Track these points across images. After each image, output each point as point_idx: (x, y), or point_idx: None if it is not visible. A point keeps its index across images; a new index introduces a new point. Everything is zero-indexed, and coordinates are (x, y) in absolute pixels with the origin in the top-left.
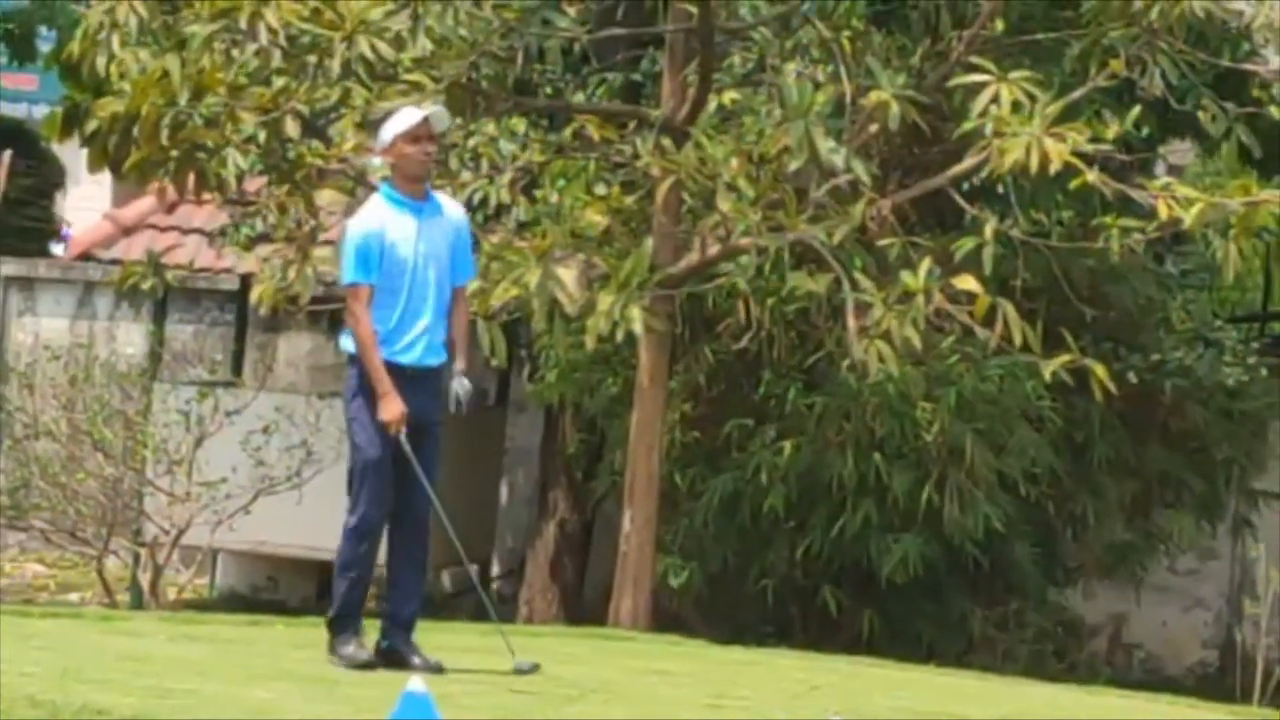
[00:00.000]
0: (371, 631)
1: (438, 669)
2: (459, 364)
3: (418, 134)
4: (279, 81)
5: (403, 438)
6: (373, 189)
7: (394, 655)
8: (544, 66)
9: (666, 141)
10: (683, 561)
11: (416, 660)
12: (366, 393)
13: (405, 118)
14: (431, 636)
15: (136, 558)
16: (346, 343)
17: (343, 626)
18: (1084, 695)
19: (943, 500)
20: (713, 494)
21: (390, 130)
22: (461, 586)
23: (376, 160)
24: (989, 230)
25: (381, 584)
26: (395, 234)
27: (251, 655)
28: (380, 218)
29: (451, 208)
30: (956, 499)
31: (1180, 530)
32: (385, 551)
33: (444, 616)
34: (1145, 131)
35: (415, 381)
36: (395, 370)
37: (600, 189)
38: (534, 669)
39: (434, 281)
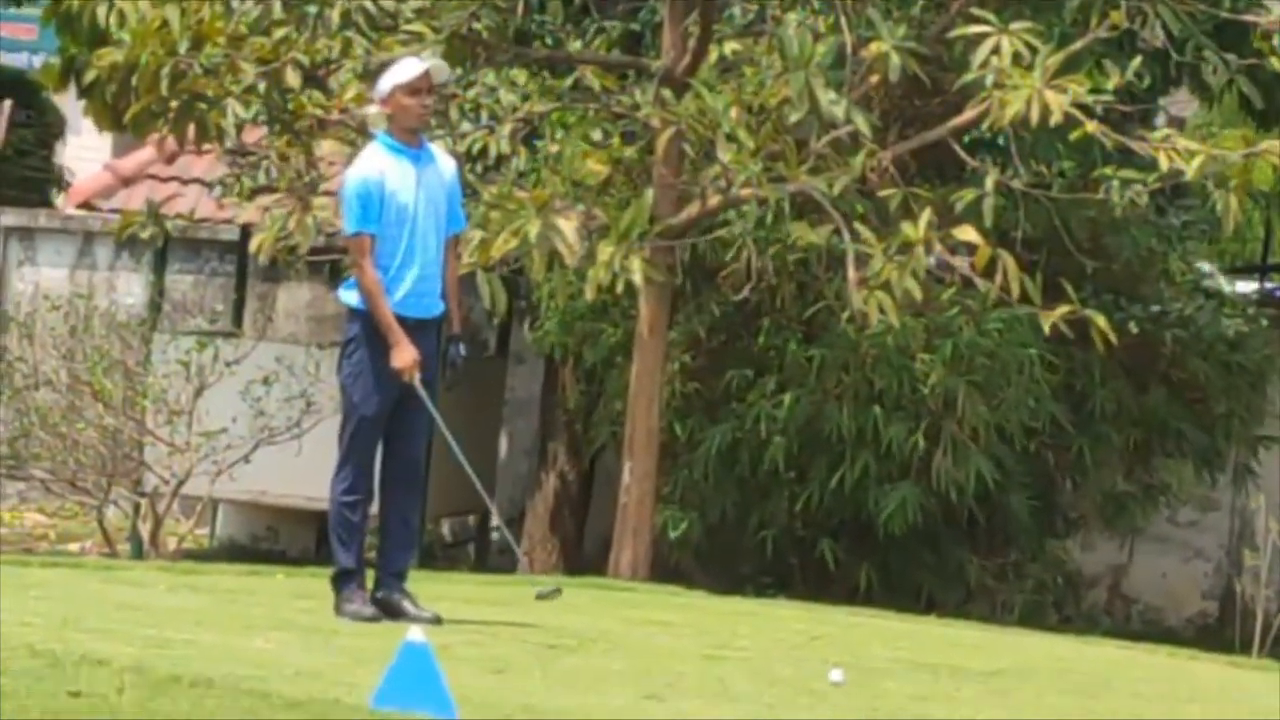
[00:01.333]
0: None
1: (435, 620)
2: (455, 327)
3: (417, 86)
4: (279, 32)
5: (416, 381)
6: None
7: (389, 605)
8: (544, 17)
9: (667, 92)
10: (682, 512)
11: (411, 610)
12: (372, 345)
13: (404, 69)
14: (431, 586)
15: (136, 508)
16: (348, 295)
17: (345, 583)
18: (1083, 646)
19: (940, 452)
20: (712, 445)
21: (389, 81)
22: (461, 536)
23: (373, 109)
24: (989, 182)
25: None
26: (395, 182)
27: (251, 605)
28: (379, 166)
29: (443, 157)
30: (952, 451)
31: (1180, 481)
32: (378, 502)
33: (443, 566)
34: (1146, 82)
35: (417, 331)
36: (402, 320)
37: (599, 137)
38: (555, 593)
39: (433, 230)
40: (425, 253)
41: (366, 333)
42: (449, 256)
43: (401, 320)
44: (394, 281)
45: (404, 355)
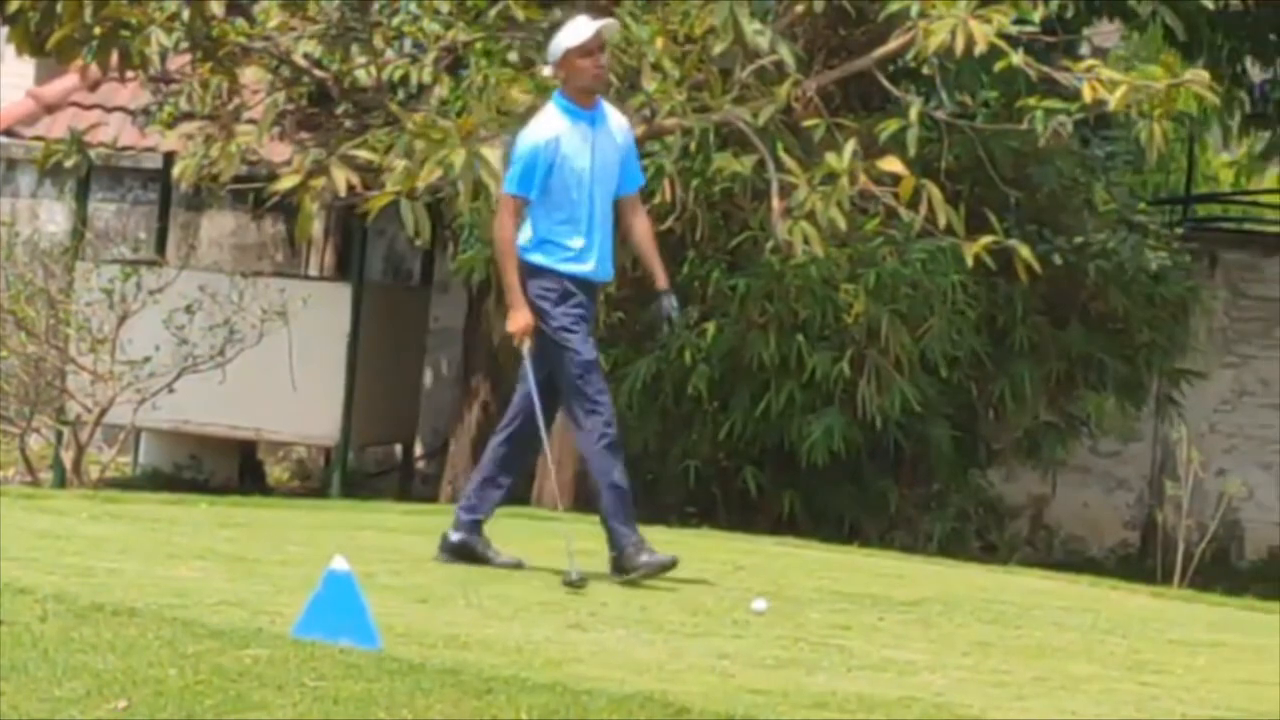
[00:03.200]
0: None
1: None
2: (661, 282)
3: (589, 47)
4: None
5: (525, 350)
6: (295, 66)
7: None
8: None
9: None
10: None
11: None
12: (562, 298)
13: (576, 31)
14: (354, 515)
15: (59, 436)
16: (529, 256)
17: (621, 533)
18: (1005, 576)
19: (863, 381)
20: (635, 376)
21: (561, 43)
22: (385, 465)
23: (548, 70)
24: (914, 112)
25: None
26: (570, 146)
27: (174, 534)
28: (554, 129)
29: (616, 117)
30: (876, 380)
31: (1102, 412)
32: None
33: (367, 495)
34: (1070, 13)
35: (594, 291)
36: (580, 282)
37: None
38: (581, 581)
39: (608, 193)
40: (601, 216)
41: (551, 290)
42: (633, 214)
43: (580, 282)
44: (575, 244)
45: (519, 320)
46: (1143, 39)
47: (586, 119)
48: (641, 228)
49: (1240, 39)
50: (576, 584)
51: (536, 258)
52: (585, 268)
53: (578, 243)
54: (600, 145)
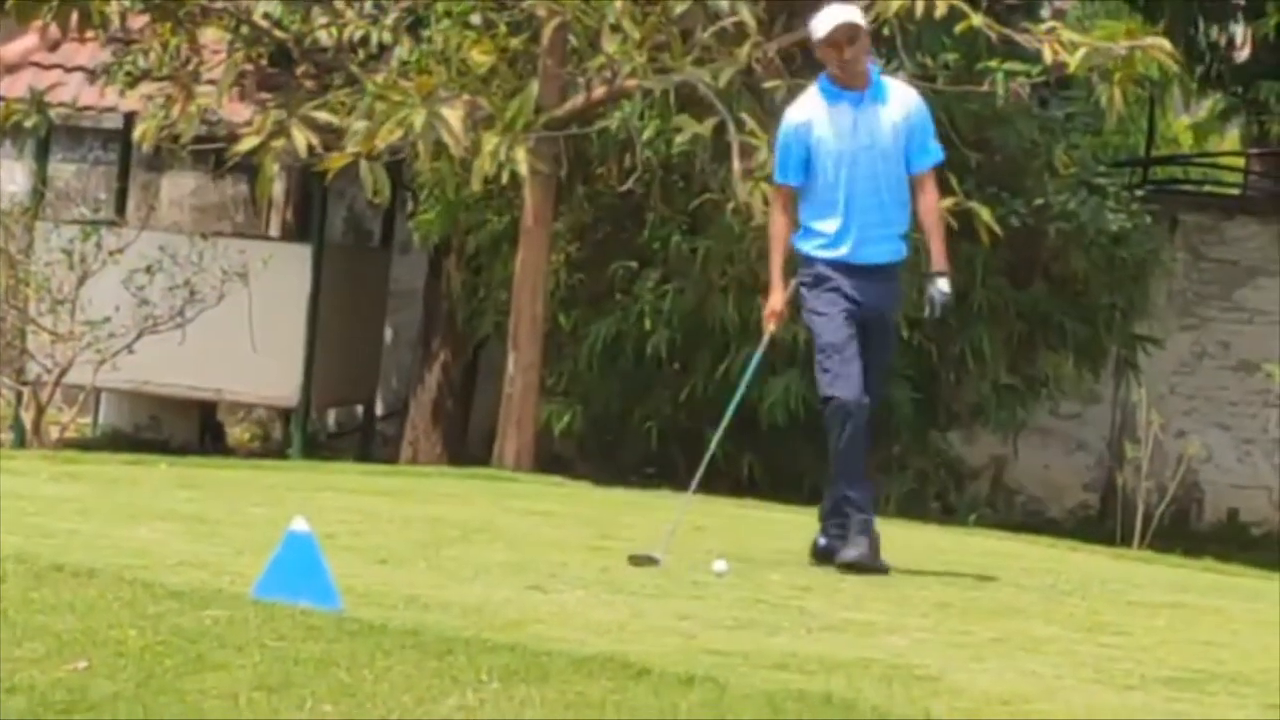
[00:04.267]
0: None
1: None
2: (936, 263)
3: (833, 39)
4: None
5: (768, 332)
6: (255, 26)
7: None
8: None
9: None
10: (566, 404)
11: (847, 553)
12: (816, 283)
13: (820, 22)
14: (316, 476)
15: (19, 396)
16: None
17: (829, 514)
18: (964, 537)
19: None
20: (596, 337)
21: (812, 32)
22: (346, 426)
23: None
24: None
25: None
26: (825, 128)
27: (134, 494)
28: (808, 112)
29: (899, 93)
30: None
31: (1062, 374)
32: None
33: (328, 456)
34: None
35: (863, 275)
36: (841, 266)
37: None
38: (647, 562)
39: (879, 174)
40: (868, 197)
41: (810, 274)
42: (920, 192)
43: (838, 265)
44: (828, 228)
45: (771, 302)
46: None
47: (850, 99)
48: (924, 206)
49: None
50: (640, 562)
51: (800, 244)
52: (839, 252)
53: (830, 226)
54: (864, 125)
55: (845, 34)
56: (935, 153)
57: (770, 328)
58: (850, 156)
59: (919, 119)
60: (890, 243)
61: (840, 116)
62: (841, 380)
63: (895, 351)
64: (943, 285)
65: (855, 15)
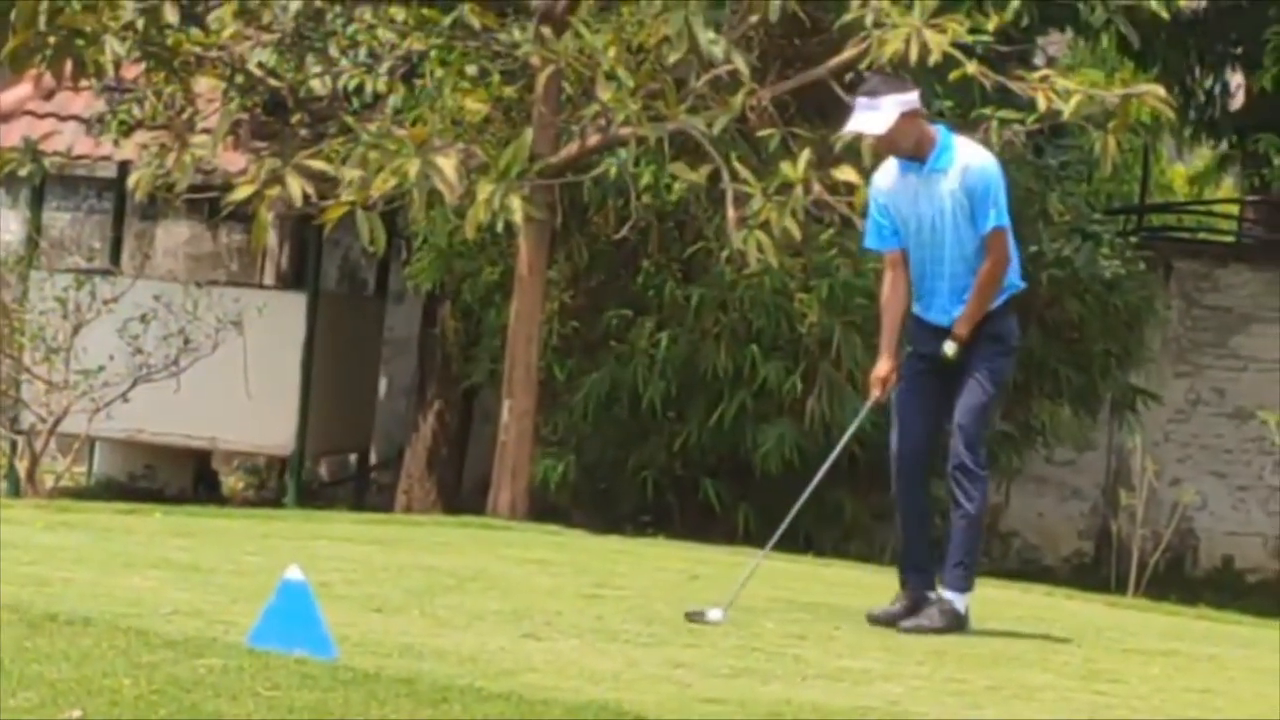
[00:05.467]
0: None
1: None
2: (955, 324)
3: (881, 140)
4: None
5: (873, 397)
6: (249, 75)
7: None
8: None
9: (546, 30)
10: (561, 452)
11: (904, 622)
12: (910, 340)
13: (857, 127)
14: (309, 526)
15: (13, 445)
16: None
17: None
18: None
19: (814, 393)
20: (591, 385)
21: (847, 126)
22: (340, 475)
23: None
24: None
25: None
26: (895, 196)
27: (128, 543)
28: (881, 183)
29: (963, 158)
30: (829, 391)
31: (1057, 421)
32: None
33: (322, 505)
34: (1024, 23)
35: (936, 333)
36: (924, 325)
37: (478, 75)
38: (702, 619)
39: (941, 242)
40: (935, 263)
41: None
42: (978, 258)
43: (922, 324)
44: (915, 289)
45: (877, 368)
46: (1092, 49)
47: (914, 169)
48: (980, 271)
49: (1187, 49)
50: (696, 619)
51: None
52: (925, 315)
53: (918, 288)
54: (925, 193)
55: (885, 122)
56: (989, 220)
57: (875, 394)
58: (916, 223)
59: (977, 185)
60: (949, 307)
61: (907, 185)
62: (898, 433)
63: (984, 406)
64: (947, 347)
65: (875, 122)
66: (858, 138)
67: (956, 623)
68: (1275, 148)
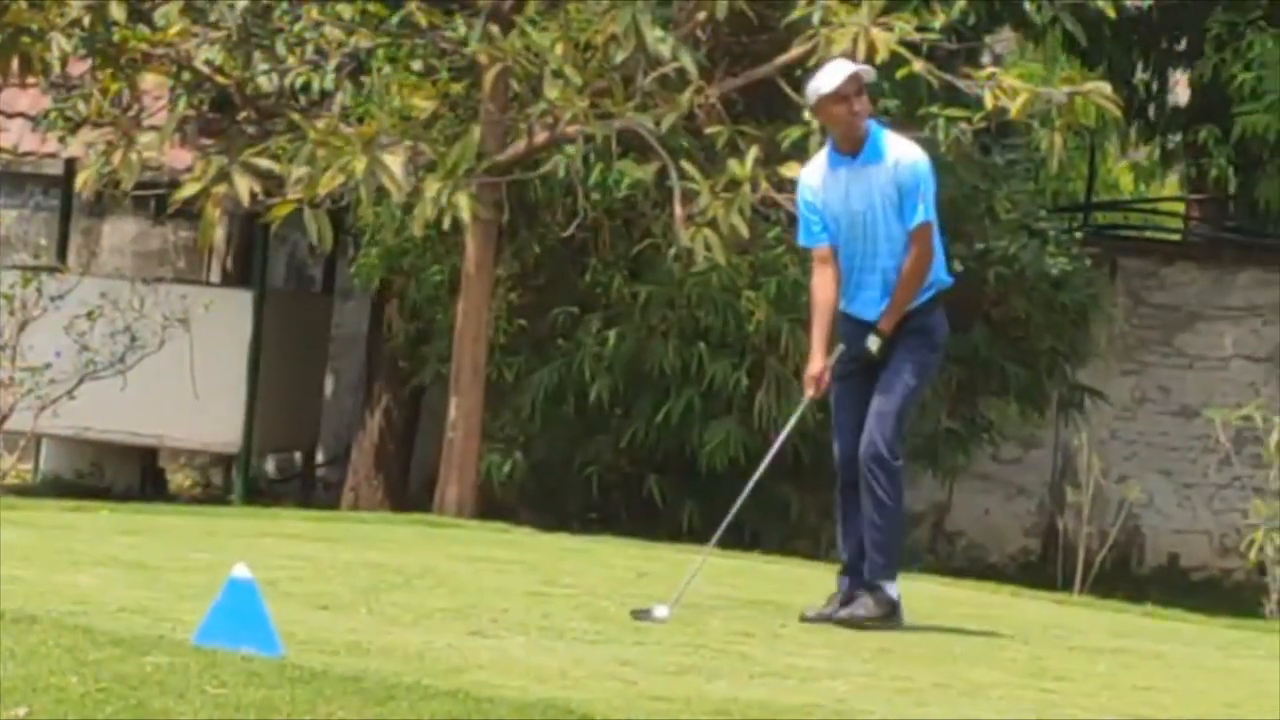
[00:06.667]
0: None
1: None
2: (880, 319)
3: (843, 93)
4: None
5: (807, 396)
6: (196, 72)
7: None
8: None
9: (494, 28)
10: (508, 450)
11: (839, 612)
12: (840, 338)
13: (823, 78)
14: (256, 523)
15: None
16: None
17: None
18: (906, 582)
19: (763, 389)
20: (539, 383)
21: (813, 89)
22: (287, 473)
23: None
24: (816, 120)
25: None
26: (825, 193)
27: (75, 541)
28: (811, 178)
29: (894, 153)
30: (775, 388)
31: (1003, 419)
32: None
33: (268, 502)
34: (971, 21)
35: (862, 327)
36: (848, 319)
37: (425, 72)
38: (647, 618)
39: (872, 236)
40: (865, 258)
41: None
42: (905, 251)
43: (849, 318)
44: (843, 283)
45: (810, 366)
46: (1035, 46)
47: (845, 162)
48: (904, 265)
49: (1131, 46)
50: (643, 616)
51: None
52: (850, 307)
53: (846, 282)
54: (857, 187)
55: (853, 88)
56: (917, 215)
57: (809, 393)
58: (847, 218)
59: (907, 179)
60: (876, 300)
61: (839, 179)
62: (836, 438)
63: (905, 398)
64: (871, 343)
65: (844, 81)
66: (804, 134)
67: (891, 609)
68: (1216, 139)
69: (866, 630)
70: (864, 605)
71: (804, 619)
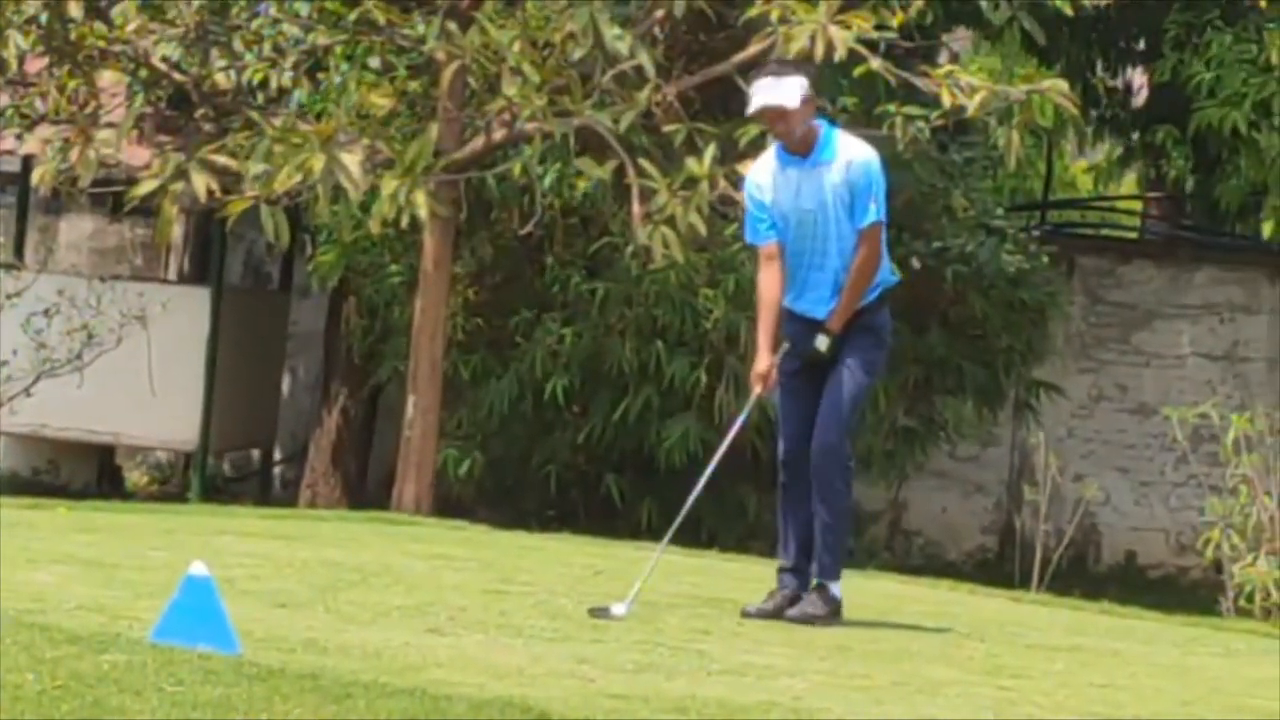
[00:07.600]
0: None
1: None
2: (829, 318)
3: (767, 118)
4: None
5: (754, 394)
6: (153, 69)
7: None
8: None
9: (452, 25)
10: (466, 448)
11: (790, 611)
12: (785, 336)
13: (752, 98)
14: (214, 521)
15: None
16: None
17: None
18: (863, 580)
19: (721, 386)
20: (496, 381)
21: (751, 104)
22: (244, 471)
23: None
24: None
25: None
26: (774, 193)
27: (32, 539)
28: (759, 177)
29: (846, 153)
30: (734, 386)
31: (960, 417)
32: None
33: (226, 500)
34: (929, 19)
35: (809, 325)
36: (795, 317)
37: (383, 69)
38: (604, 616)
39: (823, 235)
40: (814, 256)
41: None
42: (853, 251)
43: (795, 316)
44: (789, 282)
45: (756, 364)
46: (993, 45)
47: (795, 162)
48: (853, 265)
49: (1090, 45)
50: (600, 614)
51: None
52: (797, 304)
53: (791, 280)
54: (808, 186)
55: (770, 116)
56: (869, 214)
57: (756, 390)
58: (797, 217)
59: (859, 179)
60: (825, 300)
61: (788, 179)
62: (783, 435)
63: (854, 396)
64: (820, 341)
65: (781, 95)
66: (762, 132)
67: (836, 608)
68: (1174, 139)
69: (817, 627)
70: (813, 604)
71: (745, 615)
